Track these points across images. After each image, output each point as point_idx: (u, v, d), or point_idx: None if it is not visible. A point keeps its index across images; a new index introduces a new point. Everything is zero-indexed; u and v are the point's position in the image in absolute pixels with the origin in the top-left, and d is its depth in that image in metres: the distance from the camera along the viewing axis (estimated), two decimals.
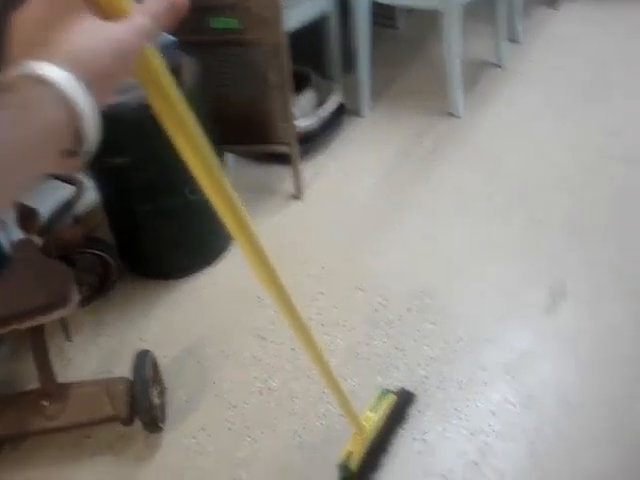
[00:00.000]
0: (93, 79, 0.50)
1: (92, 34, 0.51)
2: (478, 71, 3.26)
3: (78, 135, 0.50)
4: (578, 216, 2.38)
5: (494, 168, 2.65)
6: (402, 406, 1.79)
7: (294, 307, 1.16)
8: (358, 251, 2.33)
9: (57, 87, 0.47)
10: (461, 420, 1.78)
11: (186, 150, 0.74)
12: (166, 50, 1.82)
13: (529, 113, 2.96)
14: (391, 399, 1.74)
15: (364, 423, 1.64)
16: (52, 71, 0.47)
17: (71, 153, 0.51)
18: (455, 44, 2.77)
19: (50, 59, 0.48)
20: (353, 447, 1.62)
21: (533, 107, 3.00)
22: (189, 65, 2.01)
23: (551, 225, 2.35)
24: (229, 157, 2.72)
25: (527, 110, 2.98)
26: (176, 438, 1.83)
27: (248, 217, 0.91)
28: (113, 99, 0.53)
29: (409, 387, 1.86)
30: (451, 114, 2.96)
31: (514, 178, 2.58)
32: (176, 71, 1.88)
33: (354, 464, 1.60)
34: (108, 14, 0.53)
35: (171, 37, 1.82)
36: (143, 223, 2.16)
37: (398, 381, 1.88)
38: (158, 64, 0.63)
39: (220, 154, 2.51)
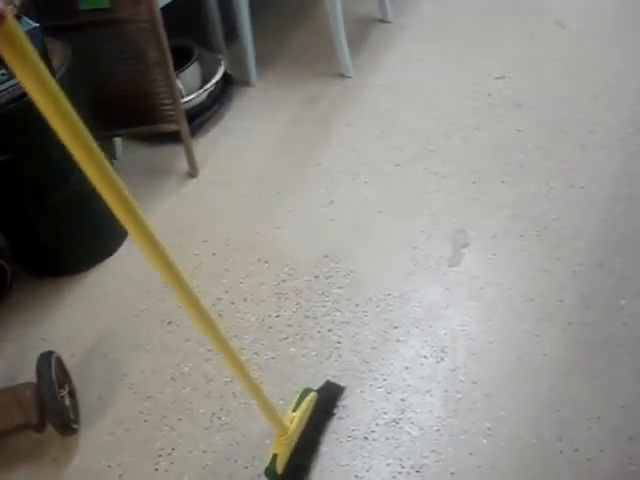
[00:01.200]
0: None
1: None
2: (364, 29, 3.25)
3: None
4: (472, 163, 2.41)
5: (389, 124, 2.65)
6: (328, 401, 1.75)
7: (197, 299, 1.11)
8: (260, 223, 2.30)
9: None
10: (377, 380, 1.79)
11: (65, 135, 0.71)
12: (31, 36, 1.74)
13: (419, 66, 2.97)
14: (312, 396, 1.69)
15: (287, 423, 1.58)
16: None
17: None
18: (337, 3, 2.73)
19: None
20: (277, 449, 1.57)
21: (422, 60, 3.01)
22: (59, 50, 1.92)
23: (448, 175, 2.37)
24: (118, 141, 2.63)
25: (417, 63, 2.99)
26: (93, 437, 1.78)
27: (136, 205, 0.86)
28: None
29: (324, 355, 1.86)
30: (342, 75, 2.95)
31: (409, 132, 2.59)
32: (44, 57, 1.79)
33: (280, 466, 1.55)
34: None
35: (34, 23, 1.73)
36: (34, 221, 2.07)
37: (312, 350, 1.88)
38: (25, 43, 0.63)
39: (108, 139, 2.43)
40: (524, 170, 2.35)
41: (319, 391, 1.73)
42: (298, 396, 1.69)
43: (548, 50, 2.95)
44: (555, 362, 1.78)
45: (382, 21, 3.28)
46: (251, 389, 1.38)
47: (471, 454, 1.61)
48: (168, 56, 2.21)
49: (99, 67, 2.26)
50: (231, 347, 1.25)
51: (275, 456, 1.56)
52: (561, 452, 1.59)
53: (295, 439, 1.62)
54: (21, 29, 0.62)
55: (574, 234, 2.10)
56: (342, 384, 1.79)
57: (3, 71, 1.71)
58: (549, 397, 1.70)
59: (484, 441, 1.63)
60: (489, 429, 1.65)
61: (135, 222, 0.90)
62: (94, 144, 0.76)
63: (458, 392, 1.74)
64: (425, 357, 1.83)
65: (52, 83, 0.68)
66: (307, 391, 1.70)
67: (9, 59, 0.62)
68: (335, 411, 1.74)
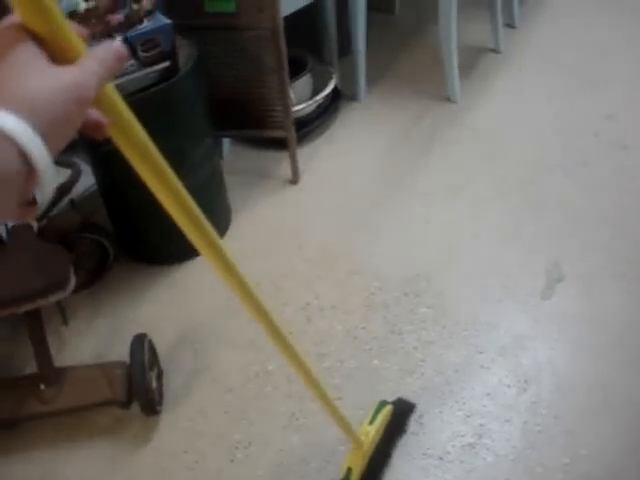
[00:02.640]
0: (49, 128, 0.48)
1: (45, 79, 0.49)
2: (475, 56, 3.25)
3: (34, 186, 0.48)
4: (574, 199, 2.38)
5: (491, 152, 2.65)
6: (401, 417, 1.76)
7: (271, 319, 1.08)
8: (355, 235, 2.33)
9: (14, 138, 0.45)
10: (457, 403, 1.79)
11: (152, 182, 0.74)
12: (163, 33, 1.82)
13: (526, 97, 2.96)
14: (388, 410, 1.69)
15: (362, 437, 1.58)
16: (8, 121, 0.45)
17: (28, 203, 0.50)
18: (452, 29, 2.76)
19: (3, 105, 0.45)
20: (352, 462, 1.57)
21: (530, 92, 2.99)
22: (185, 48, 2.00)
23: (547, 208, 2.35)
24: (226, 142, 2.71)
25: (524, 95, 2.98)
26: (173, 421, 1.84)
27: (215, 233, 0.86)
28: (66, 145, 0.52)
29: (406, 371, 1.87)
30: (448, 99, 2.96)
31: (511, 161, 2.58)
32: (173, 53, 1.87)
33: None
34: (59, 54, 0.52)
35: (167, 20, 1.81)
36: (138, 209, 2.16)
37: (395, 364, 1.89)
38: (117, 99, 0.62)
39: (217, 138, 2.51)
40: (626, 212, 2.31)
41: (393, 404, 1.75)
42: (375, 408, 1.70)
43: None
44: None
45: (493, 51, 3.28)
46: (328, 407, 1.38)
47: None
48: (285, 64, 2.27)
49: (217, 68, 2.34)
50: (308, 367, 1.24)
51: (350, 470, 1.56)
52: None
53: (369, 453, 1.63)
54: (114, 89, 0.61)
55: None
56: (421, 402, 1.79)
57: (133, 62, 1.79)
58: (632, 442, 1.67)
59: (560, 476, 1.61)
60: (567, 465, 1.63)
61: (214, 251, 0.89)
62: (179, 184, 0.77)
63: (538, 425, 1.72)
64: (508, 386, 1.82)
65: (144, 138, 0.68)
66: (383, 404, 1.71)
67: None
68: (407, 427, 1.75)
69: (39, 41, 0.51)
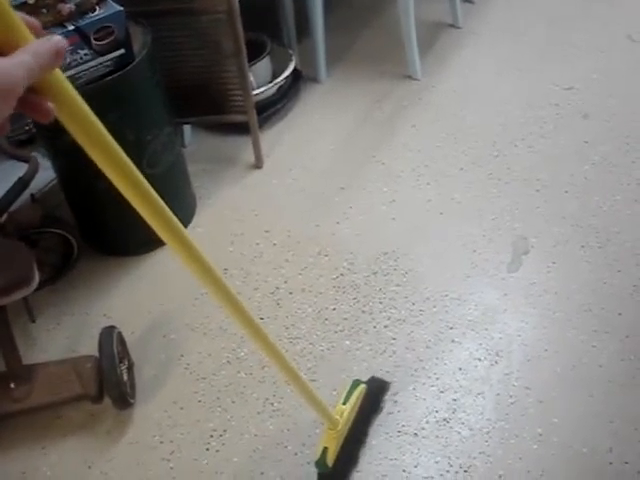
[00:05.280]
0: None
1: None
2: (434, 32, 3.25)
3: None
4: (537, 171, 2.40)
5: (454, 128, 2.65)
6: (375, 395, 1.77)
7: (241, 306, 1.06)
8: (321, 217, 2.32)
9: None
10: (430, 379, 1.80)
11: (109, 171, 0.73)
12: (115, 20, 1.79)
13: (487, 72, 2.96)
14: (362, 389, 1.70)
15: (336, 417, 1.58)
16: None
17: None
18: (409, 5, 2.75)
19: None
20: (328, 442, 1.58)
21: (490, 66, 3.00)
22: (139, 36, 1.97)
23: (511, 182, 2.36)
24: (187, 129, 2.68)
25: (485, 69, 2.98)
26: (147, 413, 1.83)
27: (177, 221, 0.86)
28: None
29: (378, 350, 1.88)
30: (409, 77, 2.95)
31: (474, 137, 2.59)
32: (127, 41, 1.84)
33: (330, 460, 1.57)
34: (5, 42, 0.54)
35: (118, 7, 1.78)
36: (101, 200, 2.12)
37: (367, 344, 1.90)
38: (67, 87, 0.62)
39: (178, 126, 2.48)
40: (588, 181, 2.33)
41: (367, 383, 1.75)
42: (348, 388, 1.70)
43: (618, 63, 2.91)
44: (611, 374, 1.77)
45: (452, 26, 3.27)
46: (302, 390, 1.39)
47: (520, 458, 1.61)
48: (243, 48, 2.25)
49: (174, 55, 2.30)
50: (280, 352, 1.24)
51: (326, 449, 1.57)
52: (610, 463, 1.59)
53: (344, 432, 1.63)
54: (64, 77, 0.62)
55: (636, 248, 2.07)
56: (394, 380, 1.80)
57: (86, 51, 1.76)
58: (602, 408, 1.70)
59: (534, 447, 1.63)
60: (540, 435, 1.65)
61: (177, 238, 0.89)
62: (138, 173, 0.76)
63: (511, 396, 1.74)
64: (479, 359, 1.83)
65: (98, 127, 0.68)
66: (357, 383, 1.72)
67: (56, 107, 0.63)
68: (382, 405, 1.76)
69: None
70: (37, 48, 0.55)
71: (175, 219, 0.84)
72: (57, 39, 0.57)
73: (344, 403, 1.65)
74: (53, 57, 0.56)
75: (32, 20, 0.58)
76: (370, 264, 2.13)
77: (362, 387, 1.70)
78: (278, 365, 1.27)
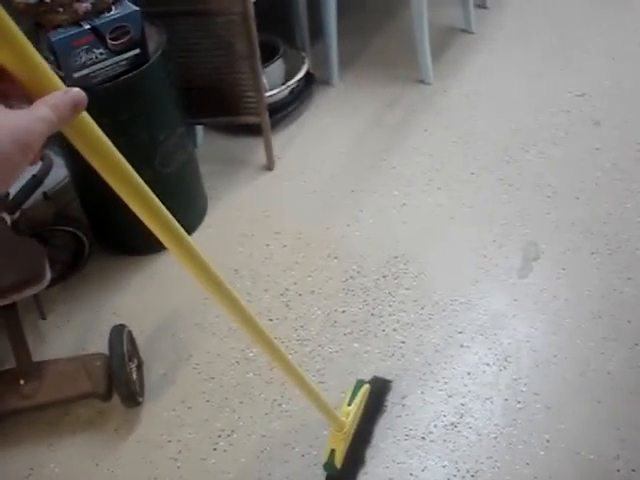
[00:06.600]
0: None
1: None
2: (447, 37, 3.25)
3: None
4: (548, 177, 2.40)
5: (465, 133, 2.65)
6: (378, 394, 1.78)
7: (244, 310, 1.10)
8: (332, 219, 2.33)
9: None
10: (438, 383, 1.80)
11: (107, 175, 0.74)
12: (131, 20, 1.80)
13: (498, 78, 2.96)
14: (366, 389, 1.72)
15: (343, 419, 1.60)
16: None
17: None
18: (423, 10, 2.75)
19: None
20: (335, 444, 1.59)
21: (502, 72, 3.00)
22: (155, 36, 1.98)
23: (522, 187, 2.36)
24: (199, 129, 2.69)
25: (496, 75, 2.98)
26: (155, 411, 1.84)
27: (179, 226, 0.87)
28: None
29: (387, 353, 1.88)
30: (421, 81, 2.95)
31: (485, 142, 2.59)
32: (142, 40, 1.85)
33: (339, 462, 1.58)
34: (35, 90, 0.55)
35: (134, 6, 1.79)
36: (113, 199, 2.13)
37: (376, 347, 1.90)
38: (92, 126, 0.65)
39: (190, 126, 2.49)
40: (599, 188, 2.33)
41: (370, 383, 1.76)
42: (352, 388, 1.71)
43: (630, 70, 2.91)
44: (619, 381, 1.76)
45: (465, 31, 3.28)
46: (308, 393, 1.40)
47: (528, 464, 1.61)
48: (256, 50, 2.25)
49: (188, 55, 2.31)
50: (286, 356, 1.24)
51: (333, 451, 1.59)
52: (618, 471, 1.59)
53: (351, 433, 1.64)
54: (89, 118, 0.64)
55: None
56: (402, 384, 1.80)
57: (102, 50, 1.77)
58: (610, 415, 1.69)
59: (541, 453, 1.63)
60: (548, 441, 1.65)
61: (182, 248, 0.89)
62: (154, 198, 0.78)
63: (519, 402, 1.74)
64: (488, 364, 1.83)
65: (121, 162, 0.71)
66: (361, 383, 1.73)
67: (78, 145, 0.65)
68: (386, 405, 1.77)
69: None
70: (57, 101, 0.56)
71: (175, 222, 0.85)
72: (76, 91, 0.58)
73: (349, 404, 1.66)
74: (72, 110, 0.57)
75: None
76: (380, 267, 2.13)
77: (366, 387, 1.72)
78: (284, 369, 1.27)
